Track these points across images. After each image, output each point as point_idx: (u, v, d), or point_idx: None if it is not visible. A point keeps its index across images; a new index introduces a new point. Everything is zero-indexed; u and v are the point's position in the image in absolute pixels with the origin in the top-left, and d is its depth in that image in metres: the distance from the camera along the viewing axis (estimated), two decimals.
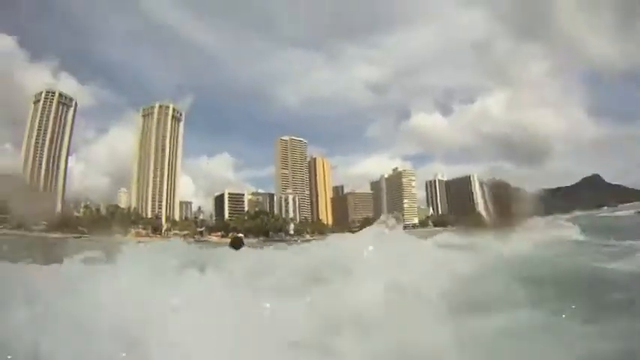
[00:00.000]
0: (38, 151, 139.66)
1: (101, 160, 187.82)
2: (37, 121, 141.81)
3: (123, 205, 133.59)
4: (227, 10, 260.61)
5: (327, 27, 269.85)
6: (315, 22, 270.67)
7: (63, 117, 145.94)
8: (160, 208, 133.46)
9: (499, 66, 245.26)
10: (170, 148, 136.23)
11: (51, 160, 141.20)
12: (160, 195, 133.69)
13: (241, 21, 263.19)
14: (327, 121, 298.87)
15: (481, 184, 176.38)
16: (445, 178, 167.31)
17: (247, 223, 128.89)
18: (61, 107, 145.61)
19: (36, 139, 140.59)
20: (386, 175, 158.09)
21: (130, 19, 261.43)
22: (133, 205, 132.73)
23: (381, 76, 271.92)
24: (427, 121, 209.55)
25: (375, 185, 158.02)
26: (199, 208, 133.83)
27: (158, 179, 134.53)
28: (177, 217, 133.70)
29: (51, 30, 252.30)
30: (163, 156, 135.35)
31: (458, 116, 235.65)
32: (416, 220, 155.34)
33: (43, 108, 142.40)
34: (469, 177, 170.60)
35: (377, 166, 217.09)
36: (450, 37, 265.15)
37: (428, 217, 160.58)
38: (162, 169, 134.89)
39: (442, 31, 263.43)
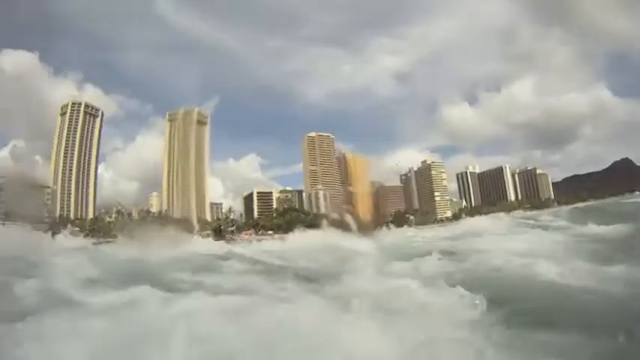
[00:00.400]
0: (68, 161, 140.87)
1: (130, 167, 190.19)
2: (65, 132, 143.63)
3: (154, 209, 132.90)
4: (246, 13, 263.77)
5: (349, 20, 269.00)
6: (336, 17, 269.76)
7: (90, 127, 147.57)
8: (190, 210, 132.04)
9: (524, 52, 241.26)
10: (197, 151, 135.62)
11: (81, 169, 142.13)
12: (190, 197, 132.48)
13: (261, 22, 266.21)
14: (354, 116, 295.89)
15: (513, 175, 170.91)
16: (477, 170, 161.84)
17: (276, 220, 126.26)
18: (87, 117, 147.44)
19: (65, 150, 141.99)
20: (415, 168, 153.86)
21: (150, 29, 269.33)
22: (164, 208, 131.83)
23: (406, 68, 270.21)
24: (454, 111, 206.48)
25: (406, 179, 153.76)
26: (230, 208, 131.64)
27: (186, 182, 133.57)
28: (208, 218, 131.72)
29: (72, 45, 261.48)
30: (190, 159, 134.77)
31: (485, 105, 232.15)
32: (449, 214, 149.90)
33: (70, 119, 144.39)
34: (501, 168, 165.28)
35: (406, 159, 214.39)
36: (474, 24, 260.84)
37: (461, 209, 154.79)
38: (189, 172, 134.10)
39: (466, 19, 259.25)
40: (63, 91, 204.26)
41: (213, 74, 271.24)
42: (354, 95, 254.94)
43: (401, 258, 10.71)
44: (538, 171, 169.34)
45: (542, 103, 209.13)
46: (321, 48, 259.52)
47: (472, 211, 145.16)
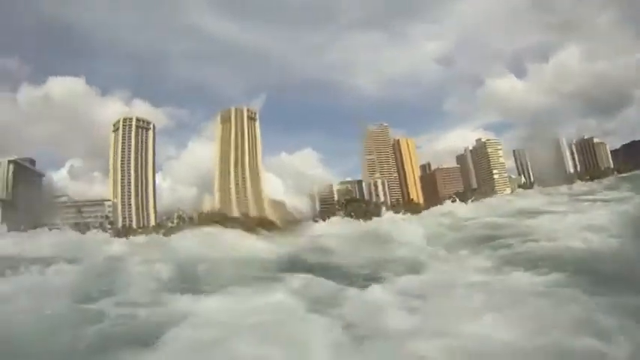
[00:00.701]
0: (125, 175, 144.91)
1: (186, 173, 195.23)
2: (120, 147, 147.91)
3: (209, 209, 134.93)
4: (281, 10, 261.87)
5: (386, 6, 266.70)
6: (372, 4, 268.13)
7: (143, 140, 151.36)
8: (247, 208, 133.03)
9: (565, 20, 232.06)
10: (249, 147, 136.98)
11: (139, 181, 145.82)
12: (245, 195, 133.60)
13: (299, 17, 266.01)
14: (403, 101, 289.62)
15: (569, 146, 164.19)
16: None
17: (339, 212, 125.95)
18: (140, 131, 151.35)
19: (121, 164, 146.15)
20: (470, 148, 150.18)
21: (189, 39, 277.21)
22: (217, 207, 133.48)
23: (448, 49, 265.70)
24: (503, 86, 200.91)
25: (461, 159, 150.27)
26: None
27: (240, 180, 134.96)
28: (268, 216, 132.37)
29: (116, 65, 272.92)
30: (243, 156, 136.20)
31: (533, 77, 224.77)
32: (508, 191, 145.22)
33: (123, 134, 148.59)
34: (557, 140, 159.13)
35: (460, 139, 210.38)
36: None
37: (520, 185, 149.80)
38: (243, 169, 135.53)
39: None
40: (113, 109, 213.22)
41: (258, 75, 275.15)
42: (400, 81, 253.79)
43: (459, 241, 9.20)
44: (595, 140, 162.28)
45: (591, 70, 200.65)
46: (361, 37, 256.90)
47: (532, 187, 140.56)
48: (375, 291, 4.73)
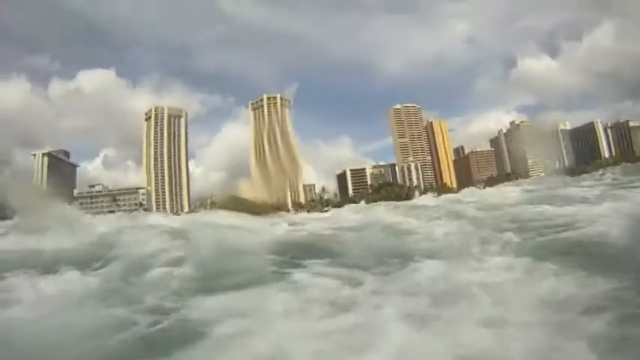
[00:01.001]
0: (158, 162, 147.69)
1: (219, 159, 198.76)
2: (152, 136, 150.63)
3: (245, 195, 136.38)
4: None
5: None
6: None
7: (175, 128, 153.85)
8: (284, 193, 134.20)
9: None
10: (283, 134, 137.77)
11: (172, 168, 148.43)
12: (282, 180, 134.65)
13: (327, 1, 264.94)
14: (435, 83, 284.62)
15: (605, 129, 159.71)
16: (568, 127, 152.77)
17: (372, 197, 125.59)
18: (172, 119, 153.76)
19: (154, 152, 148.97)
20: (504, 130, 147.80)
21: (218, 26, 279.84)
22: (254, 193, 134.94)
23: (477, 29, 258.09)
24: (536, 65, 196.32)
25: (495, 142, 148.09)
26: (323, 188, 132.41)
27: (277, 165, 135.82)
28: (302, 200, 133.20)
29: (145, 55, 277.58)
30: (278, 142, 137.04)
31: (567, 56, 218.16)
32: (543, 175, 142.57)
33: (155, 123, 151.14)
34: (592, 123, 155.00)
35: (493, 121, 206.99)
36: None
37: (555, 170, 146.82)
38: (279, 155, 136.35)
39: None
40: (144, 99, 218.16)
41: (288, 59, 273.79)
42: (431, 62, 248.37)
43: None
44: (631, 123, 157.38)
45: (626, 50, 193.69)
46: (391, 17, 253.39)
47: (566, 171, 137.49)
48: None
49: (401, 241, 6.94)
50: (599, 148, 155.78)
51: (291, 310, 3.58)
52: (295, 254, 5.98)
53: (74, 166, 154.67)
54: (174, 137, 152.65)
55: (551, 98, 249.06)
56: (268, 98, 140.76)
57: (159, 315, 3.51)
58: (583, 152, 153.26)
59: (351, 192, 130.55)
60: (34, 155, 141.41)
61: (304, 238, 8.79)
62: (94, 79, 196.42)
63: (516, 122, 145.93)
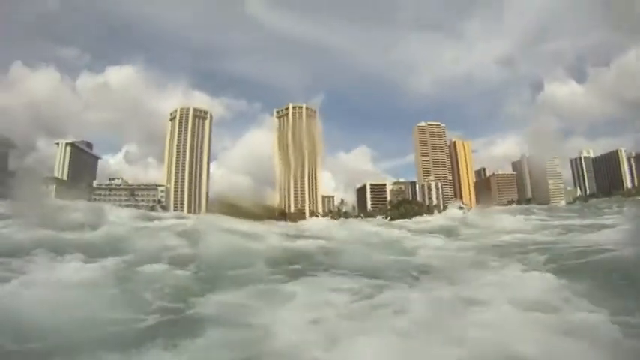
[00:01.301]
0: (180, 162, 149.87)
1: (241, 163, 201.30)
2: (176, 135, 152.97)
3: (268, 202, 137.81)
4: (340, 6, 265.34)
5: (447, 5, 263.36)
6: (433, 2, 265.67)
7: (200, 129, 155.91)
8: (303, 203, 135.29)
9: (631, 19, 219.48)
10: (307, 145, 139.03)
11: (193, 169, 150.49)
12: (302, 190, 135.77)
13: (360, 15, 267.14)
14: (462, 102, 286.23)
15: (629, 159, 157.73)
16: (592, 155, 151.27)
17: (391, 213, 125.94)
18: (197, 120, 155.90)
19: (177, 151, 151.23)
20: (527, 155, 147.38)
21: (248, 32, 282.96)
22: (277, 201, 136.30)
23: (507, 50, 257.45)
24: (562, 90, 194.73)
25: (517, 166, 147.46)
26: (342, 200, 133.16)
27: (299, 176, 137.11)
28: (320, 211, 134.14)
29: (174, 55, 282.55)
30: (302, 153, 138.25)
31: (594, 82, 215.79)
32: (563, 203, 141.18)
33: (180, 123, 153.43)
34: (616, 152, 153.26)
35: (517, 145, 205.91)
36: None
37: (576, 198, 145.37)
38: (302, 166, 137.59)
39: None
40: (170, 98, 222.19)
41: (317, 70, 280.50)
42: (458, 82, 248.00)
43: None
44: None
45: None
46: (423, 35, 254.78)
47: (587, 200, 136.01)
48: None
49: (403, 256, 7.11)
50: (621, 177, 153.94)
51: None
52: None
53: (96, 158, 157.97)
54: (197, 138, 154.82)
55: (576, 124, 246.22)
56: (294, 107, 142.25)
57: (163, 312, 3.79)
58: (605, 181, 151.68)
59: (369, 206, 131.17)
60: (58, 144, 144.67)
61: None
62: (122, 75, 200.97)
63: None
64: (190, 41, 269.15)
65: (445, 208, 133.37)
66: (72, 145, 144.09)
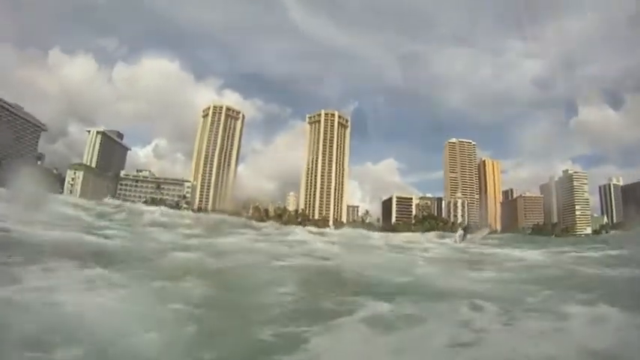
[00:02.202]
0: (209, 159, 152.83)
1: (268, 167, 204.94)
2: (207, 132, 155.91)
3: (291, 207, 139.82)
4: (377, 17, 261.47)
5: (486, 21, 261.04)
6: (472, 18, 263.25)
7: (231, 128, 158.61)
8: (328, 210, 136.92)
9: None
10: (337, 153, 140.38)
11: (221, 167, 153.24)
12: (328, 198, 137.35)
13: (396, 28, 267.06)
14: (494, 121, 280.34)
15: None
16: (621, 183, 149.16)
17: (415, 228, 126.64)
18: (229, 120, 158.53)
19: (206, 149, 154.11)
20: (556, 178, 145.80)
21: (285, 38, 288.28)
22: (301, 207, 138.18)
23: (544, 68, 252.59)
24: (596, 115, 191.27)
25: (545, 189, 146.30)
26: (367, 211, 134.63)
27: (326, 183, 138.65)
28: (344, 220, 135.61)
29: (210, 54, 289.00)
30: (331, 161, 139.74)
31: (630, 108, 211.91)
32: (589, 230, 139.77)
33: (212, 121, 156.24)
34: None
35: (546, 167, 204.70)
36: (612, 17, 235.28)
37: (602, 225, 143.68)
38: (329, 173, 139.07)
39: (603, 11, 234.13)
40: (203, 96, 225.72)
41: (351, 80, 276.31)
42: (492, 100, 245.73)
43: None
44: None
45: None
46: (459, 51, 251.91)
47: (615, 228, 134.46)
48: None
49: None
50: None
51: None
52: None
53: (126, 149, 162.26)
54: (228, 137, 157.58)
55: (608, 150, 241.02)
56: (326, 114, 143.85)
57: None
58: (633, 210, 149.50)
59: (394, 219, 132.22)
60: (89, 131, 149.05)
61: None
62: (157, 69, 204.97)
63: (569, 171, 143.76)
64: (227, 41, 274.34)
65: (467, 226, 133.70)
66: (103, 133, 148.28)
